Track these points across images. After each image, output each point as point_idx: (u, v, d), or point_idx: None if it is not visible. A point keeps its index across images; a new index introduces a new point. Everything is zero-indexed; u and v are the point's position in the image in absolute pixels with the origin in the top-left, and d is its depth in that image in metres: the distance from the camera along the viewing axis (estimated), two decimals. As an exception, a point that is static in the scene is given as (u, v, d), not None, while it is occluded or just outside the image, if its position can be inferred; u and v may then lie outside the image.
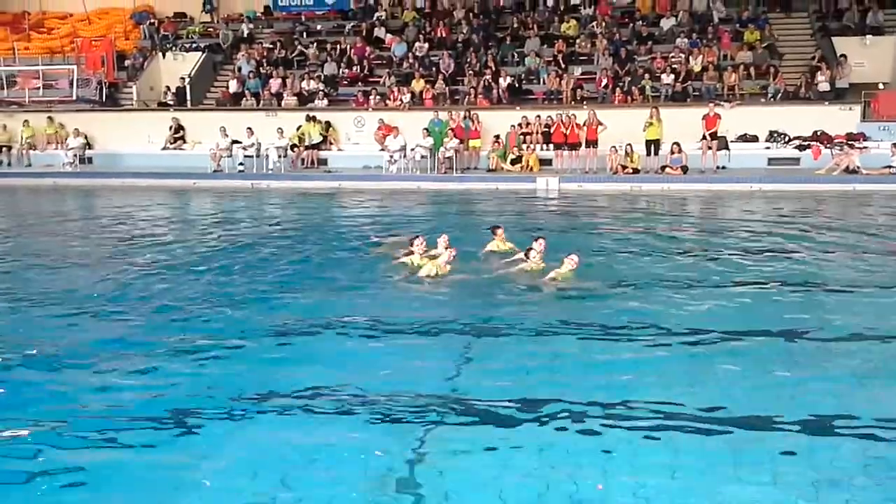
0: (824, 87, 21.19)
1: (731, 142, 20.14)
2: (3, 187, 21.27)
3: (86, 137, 23.30)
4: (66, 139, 23.39)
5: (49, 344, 6.88)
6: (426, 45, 25.28)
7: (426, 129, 20.78)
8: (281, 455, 4.77)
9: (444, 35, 25.71)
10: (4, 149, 23.65)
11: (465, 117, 21.17)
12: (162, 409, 5.40)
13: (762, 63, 22.45)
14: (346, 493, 4.30)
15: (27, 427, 5.16)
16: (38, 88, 25.72)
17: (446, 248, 9.28)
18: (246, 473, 4.53)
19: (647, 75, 22.27)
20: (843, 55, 22.05)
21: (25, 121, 23.95)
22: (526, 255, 9.22)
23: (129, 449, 4.87)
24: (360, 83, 24.45)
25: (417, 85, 23.36)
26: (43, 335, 7.21)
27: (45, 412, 5.39)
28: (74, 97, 25.14)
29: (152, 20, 28.71)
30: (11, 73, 26.20)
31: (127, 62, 26.88)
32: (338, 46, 26.09)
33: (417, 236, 9.60)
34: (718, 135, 19.77)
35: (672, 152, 19.22)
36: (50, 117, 24.10)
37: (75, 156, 22.60)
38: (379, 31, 26.54)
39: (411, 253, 9.40)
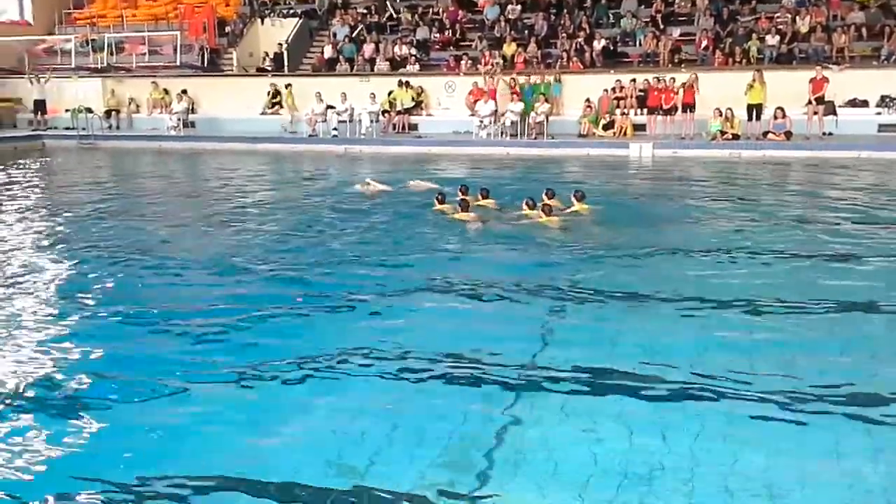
0: (944, 48, 19.78)
1: (839, 107, 19.11)
2: (112, 149, 22.45)
3: (191, 102, 24.20)
4: (170, 104, 24.37)
5: (150, 301, 7.29)
6: (519, 7, 24.91)
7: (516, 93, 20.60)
8: (364, 414, 4.94)
9: (537, -4, 25.24)
10: (114, 112, 24.86)
11: (555, 81, 20.88)
12: (251, 365, 5.64)
13: (875, 23, 21.09)
14: (427, 454, 4.41)
15: (117, 384, 5.52)
16: (144, 54, 26.79)
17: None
18: (330, 431, 4.71)
19: (753, 35, 21.28)
20: (968, 13, 20.50)
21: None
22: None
23: (215, 404, 5.11)
24: (451, 47, 24.38)
25: (509, 49, 23.09)
26: (144, 292, 7.65)
27: (142, 367, 5.73)
28: (178, 63, 26.09)
29: (251, -14, 29.32)
30: (120, 39, 27.39)
31: (227, 28, 27.63)
32: (430, 10, 26.02)
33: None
34: (825, 99, 18.81)
35: (775, 117, 18.43)
36: (154, 82, 25.11)
37: (179, 119, 23.54)
38: (472, -6, 26.31)
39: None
